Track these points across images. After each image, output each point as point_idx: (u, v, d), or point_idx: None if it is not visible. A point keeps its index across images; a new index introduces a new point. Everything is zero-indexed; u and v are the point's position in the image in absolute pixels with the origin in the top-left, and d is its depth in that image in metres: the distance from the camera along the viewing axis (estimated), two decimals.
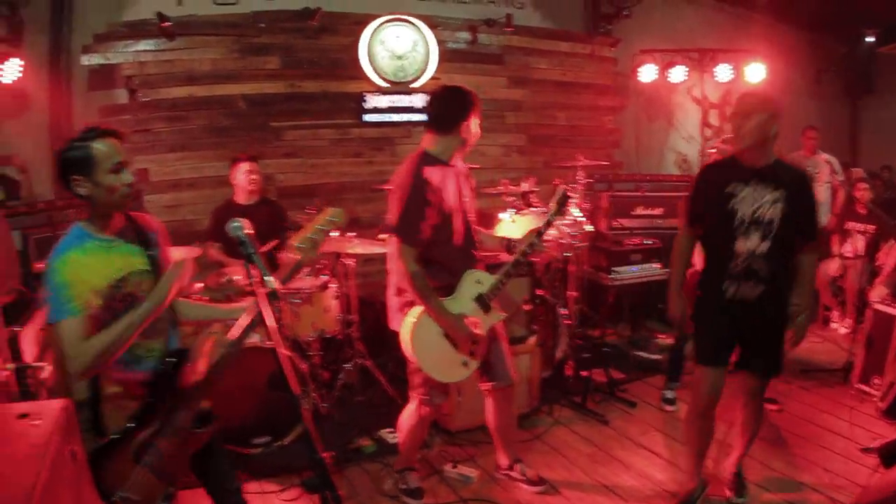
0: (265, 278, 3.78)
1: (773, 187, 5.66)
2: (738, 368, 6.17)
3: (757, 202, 5.69)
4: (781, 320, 5.94)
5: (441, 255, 5.94)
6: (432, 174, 5.80)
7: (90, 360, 3.98)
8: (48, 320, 4.06)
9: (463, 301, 5.96)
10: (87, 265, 4.12)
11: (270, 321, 3.66)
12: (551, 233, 8.27)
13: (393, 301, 6.17)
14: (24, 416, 3.58)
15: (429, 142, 5.99)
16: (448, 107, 5.93)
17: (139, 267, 4.37)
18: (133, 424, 4.22)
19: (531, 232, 6.19)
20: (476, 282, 6.03)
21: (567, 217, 8.82)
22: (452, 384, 6.40)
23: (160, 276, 4.38)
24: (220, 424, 4.61)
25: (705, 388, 6.14)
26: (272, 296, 3.71)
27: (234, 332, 4.40)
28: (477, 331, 5.93)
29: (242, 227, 3.98)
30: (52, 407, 3.65)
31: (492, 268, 6.31)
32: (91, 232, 4.24)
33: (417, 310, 5.88)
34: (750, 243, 5.74)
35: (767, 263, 5.72)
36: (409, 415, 6.39)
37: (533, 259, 6.47)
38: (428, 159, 5.90)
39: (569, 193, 6.35)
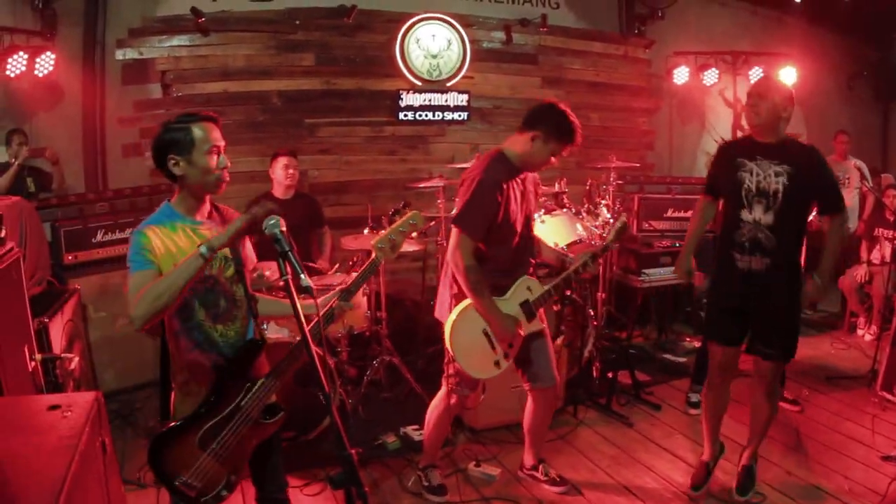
0: (300, 276, 3.77)
1: (778, 161, 5.88)
2: (749, 352, 6.30)
3: (762, 174, 5.93)
4: (791, 302, 6.08)
5: (498, 255, 5.98)
6: (504, 175, 5.84)
7: (147, 305, 3.96)
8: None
9: (511, 304, 5.99)
10: (172, 239, 4.23)
11: (301, 319, 3.67)
12: (580, 233, 8.33)
13: (444, 292, 6.25)
14: (54, 407, 3.63)
15: (512, 143, 5.97)
16: (558, 122, 5.81)
17: (223, 252, 4.40)
18: (203, 410, 4.30)
19: (586, 253, 6.22)
20: (527, 288, 6.06)
21: (597, 217, 8.83)
22: (481, 381, 6.38)
23: (239, 269, 4.43)
24: (286, 418, 4.67)
25: (714, 364, 6.49)
26: (307, 292, 3.71)
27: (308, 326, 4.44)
28: (520, 331, 5.97)
29: (279, 223, 3.98)
30: (83, 399, 3.69)
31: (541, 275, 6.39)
32: (179, 211, 4.36)
33: (465, 303, 5.93)
34: (755, 213, 5.98)
35: (772, 235, 5.92)
36: (436, 402, 6.46)
37: (585, 276, 6.45)
38: (504, 160, 5.92)
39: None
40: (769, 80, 6.34)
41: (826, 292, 6.17)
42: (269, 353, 4.62)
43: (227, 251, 4.38)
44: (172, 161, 4.19)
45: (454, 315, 5.94)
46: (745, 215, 6.02)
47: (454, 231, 5.82)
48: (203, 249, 4.00)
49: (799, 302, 6.12)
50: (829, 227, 6.05)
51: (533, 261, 6.30)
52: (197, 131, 4.20)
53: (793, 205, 5.84)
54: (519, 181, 5.96)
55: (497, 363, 6.00)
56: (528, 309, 6.03)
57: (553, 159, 5.89)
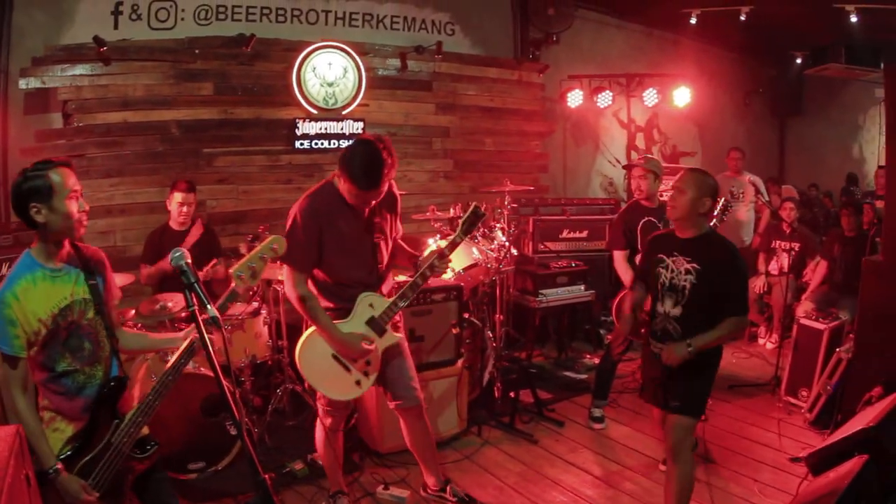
0: (206, 306, 3.90)
1: (690, 259, 6.07)
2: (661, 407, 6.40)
3: (675, 271, 6.14)
4: (698, 374, 6.13)
5: (337, 279, 6.11)
6: (325, 204, 5.97)
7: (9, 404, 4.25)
8: None
9: (356, 323, 6.10)
10: (34, 296, 4.32)
11: (209, 349, 3.81)
12: (476, 256, 8.44)
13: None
14: None
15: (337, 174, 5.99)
16: (349, 165, 5.74)
17: (82, 295, 4.54)
18: (71, 450, 4.39)
19: (433, 253, 6.30)
20: (369, 305, 6.15)
21: (476, 232, 8.96)
22: (348, 401, 6.46)
23: (101, 310, 4.58)
24: (161, 451, 4.77)
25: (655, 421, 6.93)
26: (214, 323, 3.84)
27: (173, 360, 4.60)
28: (369, 347, 6.08)
29: (184, 256, 4.11)
30: (6, 432, 3.75)
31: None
32: (41, 261, 4.43)
33: (309, 330, 6.11)
34: (665, 306, 6.23)
35: (680, 326, 6.13)
36: (318, 428, 6.57)
37: (436, 276, 6.49)
38: (329, 190, 6.03)
39: (480, 210, 6.34)
40: (692, 173, 6.38)
41: (680, 361, 6.02)
42: (174, 384, 4.71)
43: (85, 293, 4.55)
44: (35, 209, 4.28)
45: (301, 342, 6.12)
46: (659, 307, 6.29)
47: (285, 268, 5.99)
48: (54, 470, 4.22)
49: (707, 374, 6.23)
50: (727, 321, 6.01)
51: (377, 278, 6.35)
52: (55, 178, 4.31)
53: (701, 300, 6.02)
54: (352, 205, 5.99)
55: (358, 382, 6.18)
56: (377, 325, 6.15)
57: (353, 197, 5.92)
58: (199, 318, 3.90)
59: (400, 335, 6.42)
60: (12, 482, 3.39)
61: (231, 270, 4.80)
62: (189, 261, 4.12)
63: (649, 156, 10.45)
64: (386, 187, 6.03)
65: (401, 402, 6.49)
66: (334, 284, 6.12)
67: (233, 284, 4.79)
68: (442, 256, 6.22)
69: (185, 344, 4.64)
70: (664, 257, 6.24)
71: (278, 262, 5.74)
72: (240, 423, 3.64)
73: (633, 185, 8.79)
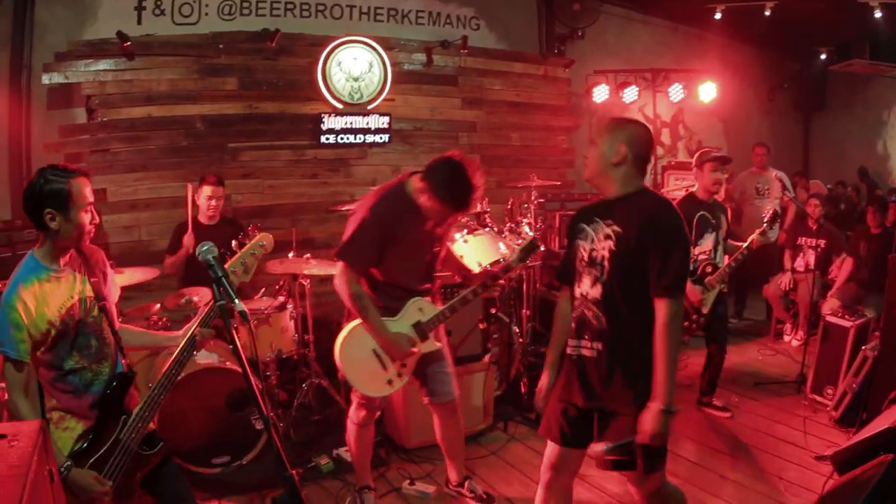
0: (234, 300, 3.88)
1: (609, 223, 4.78)
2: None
3: (595, 240, 4.83)
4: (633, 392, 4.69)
5: (390, 279, 6.05)
6: (396, 209, 5.88)
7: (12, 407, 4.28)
8: None
9: (402, 324, 6.06)
10: (40, 298, 4.33)
11: (237, 343, 3.79)
12: (503, 251, 8.39)
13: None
14: (1, 437, 3.66)
15: (414, 181, 5.90)
16: (440, 170, 5.66)
17: (86, 294, 4.56)
18: (81, 447, 4.41)
19: (488, 274, 6.33)
20: (419, 309, 6.13)
21: (519, 236, 8.92)
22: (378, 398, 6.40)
23: (103, 307, 4.61)
24: (170, 446, 4.79)
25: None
26: (241, 317, 3.79)
27: (175, 354, 4.61)
28: (413, 350, 6.05)
29: (212, 250, 4.10)
30: (30, 427, 3.72)
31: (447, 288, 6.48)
32: (45, 263, 4.43)
33: (354, 322, 6.04)
34: (582, 287, 4.91)
35: (601, 313, 4.78)
36: (349, 419, 6.51)
37: (485, 296, 6.46)
38: (401, 195, 5.93)
39: (538, 243, 6.40)
40: (610, 120, 5.24)
41: (664, 433, 4.52)
42: (198, 378, 4.69)
43: (88, 291, 4.56)
44: (49, 215, 4.27)
45: (343, 334, 6.05)
46: (576, 290, 4.97)
47: (339, 263, 5.91)
48: (64, 467, 4.20)
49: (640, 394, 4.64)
50: (657, 321, 4.60)
51: (430, 285, 6.35)
52: (75, 188, 4.29)
53: (625, 274, 4.71)
54: (418, 212, 5.93)
55: (390, 382, 6.11)
56: (421, 330, 6.11)
57: (444, 217, 5.94)
58: (227, 312, 3.91)
59: (440, 345, 6.37)
60: (35, 478, 3.36)
61: (225, 267, 4.73)
62: (216, 254, 4.10)
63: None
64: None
65: (436, 397, 6.46)
66: (386, 283, 6.07)
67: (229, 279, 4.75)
68: (494, 278, 6.26)
69: (185, 338, 4.65)
70: (584, 226, 4.92)
71: (332, 258, 5.79)
72: (267, 418, 3.60)
73: (713, 179, 8.53)
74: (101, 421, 4.48)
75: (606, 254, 4.70)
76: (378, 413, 6.57)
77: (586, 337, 4.85)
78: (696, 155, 9.02)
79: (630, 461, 4.64)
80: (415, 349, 6.07)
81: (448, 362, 6.53)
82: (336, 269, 5.95)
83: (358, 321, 6.00)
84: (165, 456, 4.81)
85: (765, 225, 8.11)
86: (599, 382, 4.80)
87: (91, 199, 4.38)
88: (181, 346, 4.61)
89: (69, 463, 4.26)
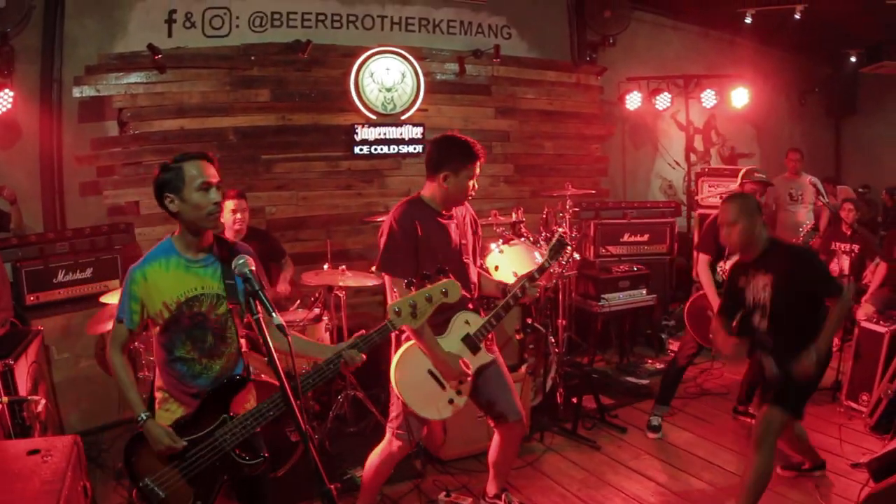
0: (271, 314, 3.88)
1: (763, 274, 6.30)
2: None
3: (755, 289, 6.36)
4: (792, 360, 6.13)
5: None
6: (418, 215, 5.90)
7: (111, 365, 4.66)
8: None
9: (452, 340, 5.99)
10: (163, 280, 4.56)
11: (273, 356, 3.78)
12: (539, 261, 8.34)
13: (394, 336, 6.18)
14: (34, 451, 3.64)
15: (426, 190, 6.04)
16: (456, 152, 5.89)
17: (215, 291, 4.65)
18: (174, 426, 4.52)
19: (523, 276, 6.22)
20: (465, 322, 6.04)
21: (562, 259, 8.90)
22: (430, 420, 6.29)
23: (236, 303, 4.66)
24: (268, 463, 4.79)
25: None
26: (280, 331, 3.82)
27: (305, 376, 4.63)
28: (467, 370, 5.95)
29: (248, 263, 4.14)
30: (62, 443, 3.72)
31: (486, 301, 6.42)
32: (179, 249, 4.64)
33: (408, 344, 5.95)
34: (755, 320, 6.42)
35: (771, 337, 6.35)
36: (380, 449, 6.36)
37: (524, 301, 6.42)
38: (418, 203, 6.00)
39: (566, 240, 6.36)
40: (731, 202, 6.54)
41: (815, 367, 6.06)
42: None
43: (220, 289, 4.63)
44: (168, 199, 4.47)
45: (398, 356, 5.97)
46: (754, 322, 6.46)
47: (385, 278, 5.96)
48: (141, 417, 4.50)
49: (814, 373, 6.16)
50: (832, 305, 6.21)
51: (469, 294, 6.24)
52: (189, 169, 4.45)
53: (783, 307, 6.21)
54: (445, 219, 6.03)
55: (451, 401, 5.99)
56: (472, 343, 6.02)
57: (471, 183, 5.95)
58: (264, 325, 3.91)
59: (493, 356, 6.27)
60: (69, 494, 3.34)
61: (390, 304, 4.76)
62: (253, 268, 4.16)
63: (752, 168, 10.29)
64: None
65: (503, 420, 6.34)
66: None
67: (388, 317, 4.81)
68: (532, 280, 6.15)
69: (328, 359, 4.69)
70: (743, 280, 6.50)
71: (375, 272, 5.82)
72: (305, 433, 3.57)
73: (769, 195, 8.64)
74: (201, 412, 4.57)
75: (768, 296, 6.27)
76: (413, 447, 6.43)
77: (766, 353, 6.47)
78: (741, 172, 9.13)
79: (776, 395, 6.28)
80: (468, 370, 5.97)
81: (506, 373, 6.44)
82: (386, 287, 5.99)
83: (408, 344, 5.95)
84: (263, 472, 4.86)
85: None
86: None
87: (207, 179, 4.50)
88: (320, 366, 4.66)
89: (148, 413, 4.52)
